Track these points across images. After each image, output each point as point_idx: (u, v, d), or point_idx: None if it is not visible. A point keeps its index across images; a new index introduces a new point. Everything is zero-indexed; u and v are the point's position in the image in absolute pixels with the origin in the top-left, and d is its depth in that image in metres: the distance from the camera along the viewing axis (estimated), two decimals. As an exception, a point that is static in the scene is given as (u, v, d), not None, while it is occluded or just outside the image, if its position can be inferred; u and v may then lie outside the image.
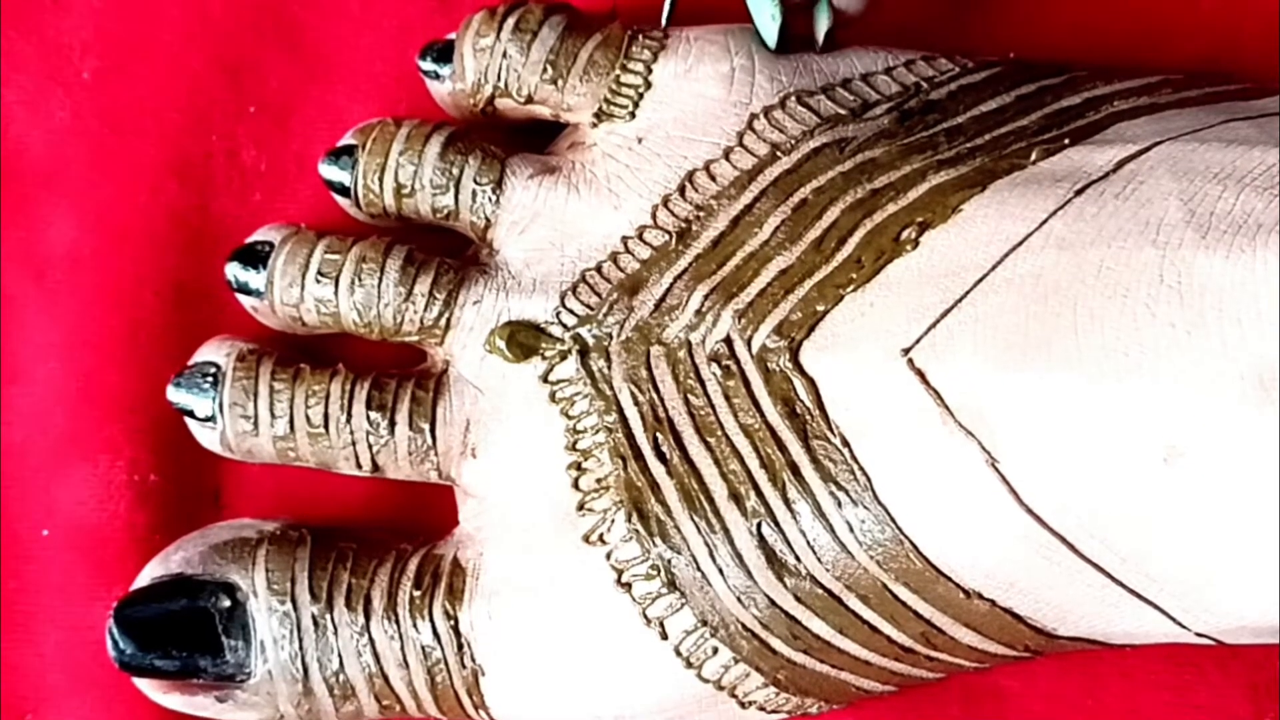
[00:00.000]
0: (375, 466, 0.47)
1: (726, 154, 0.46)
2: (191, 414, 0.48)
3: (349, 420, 0.47)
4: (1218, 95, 0.45)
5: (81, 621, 0.49)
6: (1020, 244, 0.41)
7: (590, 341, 0.45)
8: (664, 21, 0.48)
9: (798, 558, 0.42)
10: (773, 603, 0.43)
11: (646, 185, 0.46)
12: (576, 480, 0.45)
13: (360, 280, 0.47)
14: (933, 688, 0.47)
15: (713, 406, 0.43)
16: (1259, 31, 0.49)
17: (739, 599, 0.43)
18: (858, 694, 0.45)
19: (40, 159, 0.51)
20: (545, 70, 0.47)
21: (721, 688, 0.44)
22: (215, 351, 0.48)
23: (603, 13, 0.48)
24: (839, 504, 0.42)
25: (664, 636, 0.43)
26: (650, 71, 0.47)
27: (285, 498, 0.49)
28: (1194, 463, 0.38)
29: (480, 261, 0.47)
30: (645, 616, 0.43)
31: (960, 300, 0.41)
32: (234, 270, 0.48)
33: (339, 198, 0.49)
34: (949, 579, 0.41)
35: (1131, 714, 0.47)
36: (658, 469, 0.44)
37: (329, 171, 0.48)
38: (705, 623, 0.43)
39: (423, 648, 0.45)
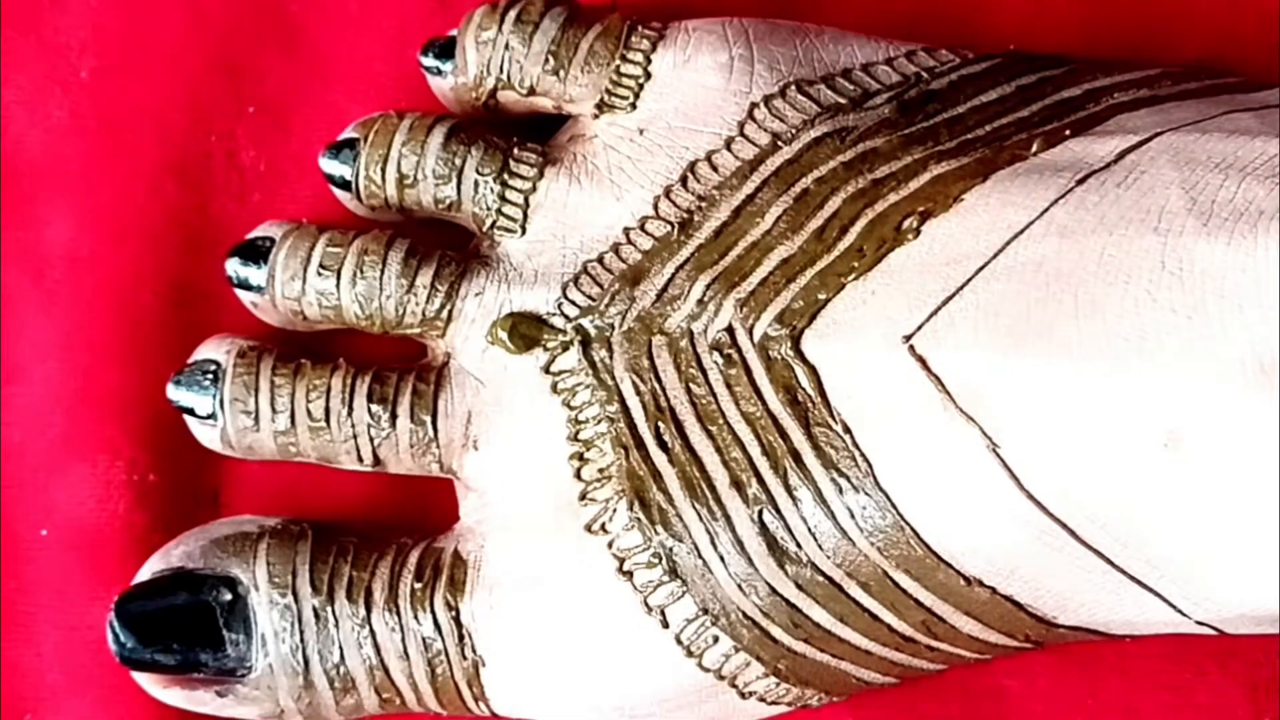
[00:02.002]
0: (377, 460, 0.47)
1: (728, 144, 0.46)
2: (191, 412, 0.48)
3: (350, 414, 0.47)
4: (1218, 87, 0.46)
5: (81, 621, 0.49)
6: (1022, 232, 0.41)
7: (592, 332, 0.45)
8: None
9: (799, 545, 0.42)
10: (774, 590, 0.43)
11: (648, 176, 0.46)
12: (579, 470, 0.45)
13: (362, 273, 0.47)
14: (933, 685, 0.47)
15: (714, 395, 0.43)
16: (1259, 27, 0.49)
17: (740, 587, 0.43)
18: (858, 685, 0.45)
19: (39, 158, 0.51)
20: (547, 61, 0.47)
21: (722, 677, 0.44)
22: (215, 349, 0.48)
23: (603, 5, 0.48)
24: (840, 490, 0.42)
25: (665, 625, 0.43)
26: (649, 62, 0.47)
27: (285, 498, 0.49)
28: (1194, 448, 0.38)
29: (482, 254, 0.47)
30: (646, 605, 0.43)
31: (962, 288, 0.41)
32: (234, 266, 0.48)
33: (339, 192, 0.49)
34: (950, 566, 0.41)
35: (1131, 713, 0.47)
36: (659, 458, 0.44)
37: (330, 165, 0.48)
38: (706, 611, 0.43)
39: (423, 639, 0.45)
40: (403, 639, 0.45)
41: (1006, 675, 0.47)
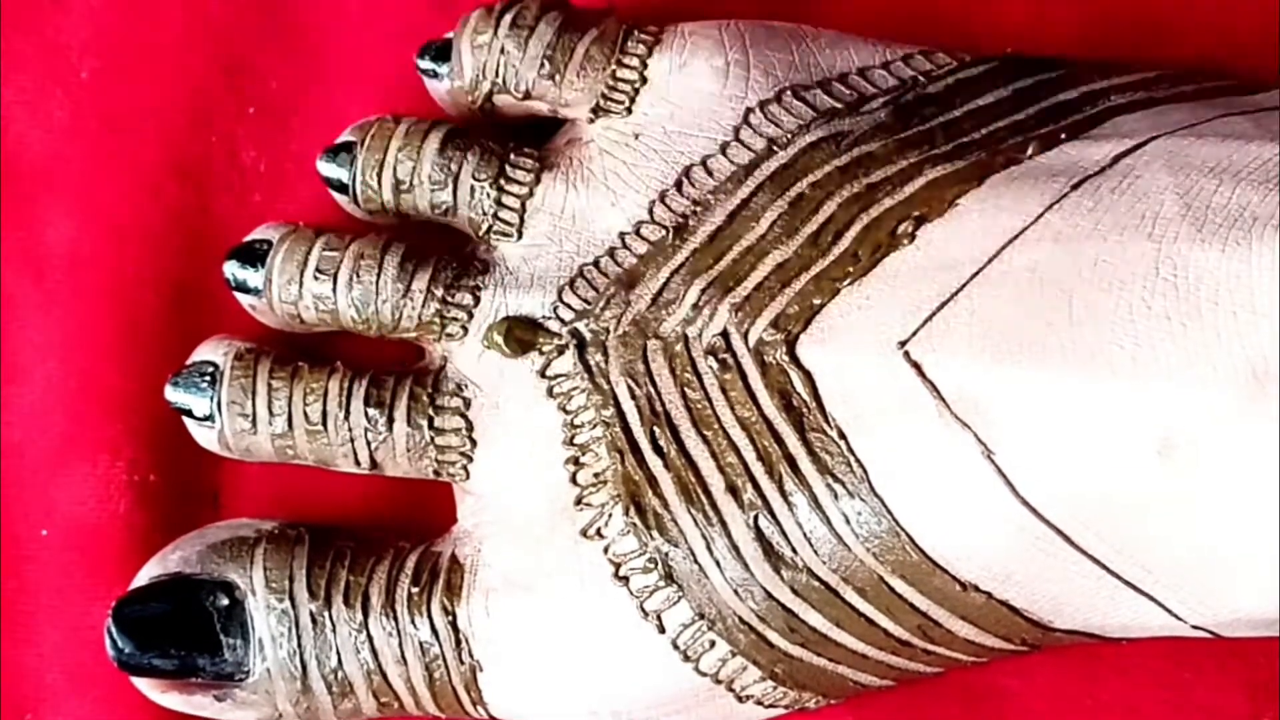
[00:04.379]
0: (374, 463, 0.47)
1: (723, 149, 0.46)
2: (189, 413, 0.48)
3: (347, 417, 0.47)
4: (1214, 90, 0.45)
5: (81, 621, 0.49)
6: (1016, 237, 0.41)
7: (588, 336, 0.45)
8: None
9: (794, 550, 0.42)
10: (769, 595, 0.43)
11: (644, 181, 0.46)
12: (574, 475, 0.45)
13: (358, 277, 0.47)
14: (933, 686, 0.47)
15: (709, 400, 0.43)
16: (1257, 29, 0.49)
17: (736, 592, 0.43)
18: (855, 689, 0.45)
19: (40, 159, 0.51)
20: (542, 66, 0.47)
21: (719, 681, 0.44)
22: (213, 350, 0.48)
23: (599, 9, 0.48)
24: (835, 496, 0.42)
25: (661, 630, 0.43)
26: (645, 67, 0.47)
27: (284, 498, 0.49)
28: (1189, 455, 0.38)
29: (478, 258, 0.47)
30: (643, 610, 0.43)
31: (956, 293, 0.41)
32: (232, 268, 0.48)
33: (337, 195, 0.49)
34: (945, 571, 0.41)
35: (1130, 713, 0.47)
36: (655, 462, 0.44)
37: (327, 169, 0.48)
38: (703, 616, 0.43)
39: (421, 644, 0.45)
40: (400, 644, 0.45)
41: (1006, 675, 0.47)
